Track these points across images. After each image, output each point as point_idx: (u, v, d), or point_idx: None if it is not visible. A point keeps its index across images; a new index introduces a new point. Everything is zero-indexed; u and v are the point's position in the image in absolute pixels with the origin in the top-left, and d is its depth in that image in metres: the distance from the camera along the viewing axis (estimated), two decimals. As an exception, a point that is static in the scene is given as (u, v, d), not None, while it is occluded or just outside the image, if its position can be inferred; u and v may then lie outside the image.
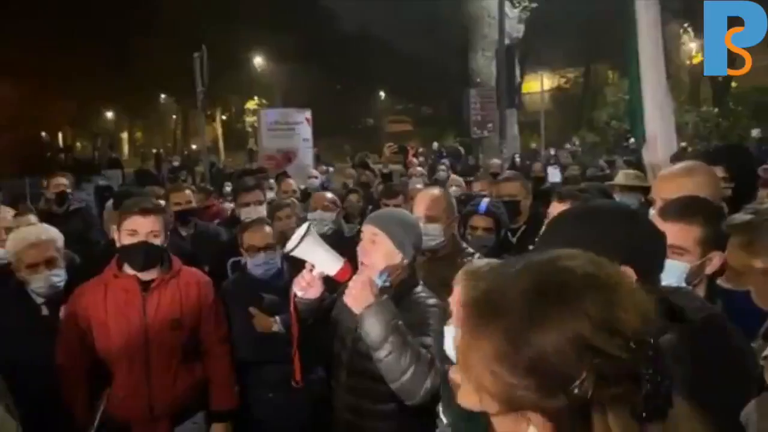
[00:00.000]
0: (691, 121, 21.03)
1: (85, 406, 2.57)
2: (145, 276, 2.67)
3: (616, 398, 0.68)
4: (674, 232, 1.67)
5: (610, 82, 28.14)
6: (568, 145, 19.17)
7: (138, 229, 2.60)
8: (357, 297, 1.95)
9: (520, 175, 4.51)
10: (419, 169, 8.54)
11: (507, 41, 15.36)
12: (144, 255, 2.62)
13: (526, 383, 0.69)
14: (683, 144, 17.56)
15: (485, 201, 3.57)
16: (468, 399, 0.75)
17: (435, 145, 22.77)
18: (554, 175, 7.65)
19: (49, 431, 2.41)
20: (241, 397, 2.90)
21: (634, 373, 0.67)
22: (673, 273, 1.68)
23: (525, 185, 4.16)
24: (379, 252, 2.21)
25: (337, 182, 8.65)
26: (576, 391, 0.67)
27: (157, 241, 2.64)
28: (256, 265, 3.09)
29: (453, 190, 5.77)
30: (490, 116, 15.78)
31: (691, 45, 25.49)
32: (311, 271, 2.06)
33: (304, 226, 2.05)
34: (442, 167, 9.79)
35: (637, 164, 4.98)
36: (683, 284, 1.66)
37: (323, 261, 2.05)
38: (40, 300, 2.81)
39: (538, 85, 24.51)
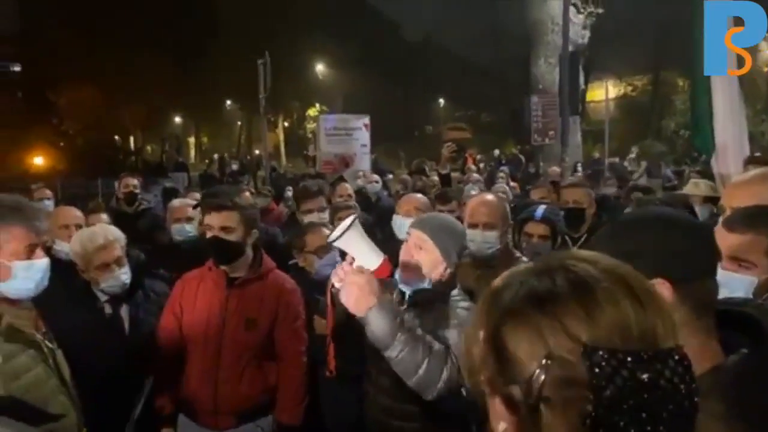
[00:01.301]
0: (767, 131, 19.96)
1: (168, 386, 2.71)
2: (234, 272, 2.72)
3: (565, 401, 0.68)
4: (740, 244, 1.58)
5: (680, 90, 27.05)
6: (631, 155, 18.53)
7: (211, 223, 2.67)
8: (358, 300, 1.89)
9: (585, 182, 4.38)
10: (475, 176, 8.42)
11: (571, 47, 15.00)
12: (213, 250, 2.68)
13: (496, 369, 0.74)
14: (758, 154, 16.72)
15: (542, 207, 3.48)
16: (469, 378, 0.81)
17: (496, 152, 22.49)
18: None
19: (106, 427, 2.48)
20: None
21: (587, 381, 0.67)
22: (739, 287, 1.58)
23: (589, 193, 4.03)
24: (425, 259, 2.19)
25: (394, 189, 8.67)
26: (528, 385, 0.70)
27: (231, 237, 2.65)
28: (326, 264, 3.10)
29: (501, 196, 5.68)
30: (551, 124, 15.44)
31: (767, 52, 24.19)
32: (351, 263, 2.03)
33: (350, 219, 2.03)
34: (501, 175, 9.64)
35: (706, 174, 4.75)
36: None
37: (363, 255, 2.02)
38: (104, 298, 2.90)
39: (603, 92, 23.83)
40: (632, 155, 18.03)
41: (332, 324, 2.19)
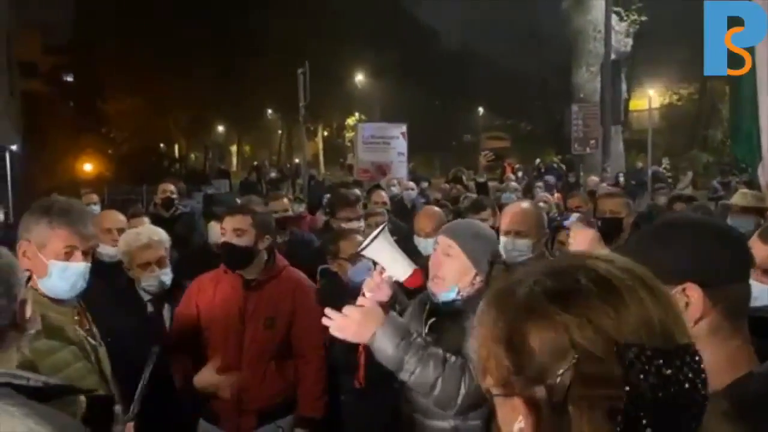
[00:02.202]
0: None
1: (185, 380, 2.72)
2: (248, 274, 2.79)
3: (593, 399, 0.67)
4: (762, 252, 1.54)
5: (727, 99, 26.22)
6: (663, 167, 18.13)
7: (226, 227, 2.77)
8: (356, 334, 1.85)
9: (622, 192, 4.30)
10: (513, 184, 8.34)
11: (613, 56, 14.77)
12: (226, 254, 2.77)
13: (514, 370, 0.73)
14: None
15: (574, 216, 3.44)
16: (481, 379, 0.80)
17: (537, 161, 22.19)
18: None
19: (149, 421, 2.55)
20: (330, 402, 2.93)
21: (618, 379, 0.66)
22: None
23: (628, 203, 3.95)
24: (453, 266, 2.13)
25: (433, 197, 8.66)
26: (554, 384, 0.69)
27: (243, 240, 2.73)
28: (358, 270, 3.13)
29: (541, 206, 5.60)
30: (593, 133, 15.21)
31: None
32: (381, 273, 2.01)
33: (380, 228, 2.03)
34: (539, 185, 9.52)
35: (753, 185, 4.61)
36: None
37: (393, 264, 2.00)
38: (146, 297, 2.99)
39: (647, 102, 23.31)
40: (663, 166, 17.64)
41: None
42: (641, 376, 0.65)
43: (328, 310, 1.88)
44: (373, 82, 34.37)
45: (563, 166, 18.32)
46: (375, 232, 2.00)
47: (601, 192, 4.62)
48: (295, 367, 2.82)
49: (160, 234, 3.09)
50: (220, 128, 38.89)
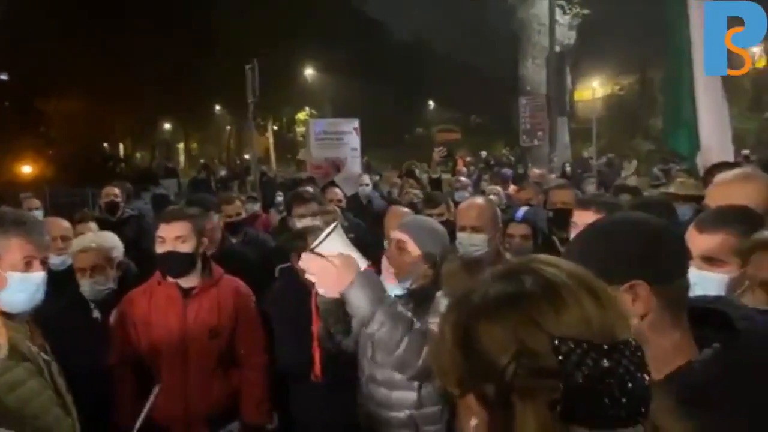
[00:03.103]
0: (754, 129, 20.15)
1: (130, 404, 2.64)
2: (186, 283, 2.74)
3: (535, 391, 0.73)
4: (711, 244, 1.65)
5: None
6: (585, 154, 18.82)
7: (164, 235, 2.68)
8: (337, 280, 1.84)
9: (570, 184, 4.44)
10: (464, 179, 8.46)
11: (557, 48, 15.12)
12: (170, 262, 2.70)
13: (468, 368, 0.78)
14: (745, 151, 16.90)
15: (522, 209, 3.57)
16: (442, 379, 0.85)
17: (483, 153, 22.56)
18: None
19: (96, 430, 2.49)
20: (286, 400, 2.93)
21: (557, 371, 0.72)
22: (713, 286, 1.64)
23: (576, 193, 4.10)
24: (407, 259, 2.24)
25: (384, 190, 8.71)
26: (500, 380, 0.74)
27: (185, 248, 2.68)
28: None
29: (491, 198, 5.71)
30: (540, 125, 15.54)
31: (754, 50, 24.44)
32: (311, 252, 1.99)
33: (332, 225, 2.03)
34: (486, 177, 9.70)
35: (692, 172, 4.81)
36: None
37: None
38: (92, 304, 2.93)
39: (591, 92, 24.00)
40: (587, 154, 18.34)
41: (316, 330, 2.23)
42: (576, 369, 0.71)
43: (306, 255, 1.85)
44: (323, 77, 34.13)
45: (512, 158, 18.70)
46: (328, 229, 2.01)
47: (552, 185, 4.75)
48: (239, 374, 2.83)
49: (102, 241, 3.03)
50: (167, 126, 37.91)
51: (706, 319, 1.20)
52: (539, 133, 15.67)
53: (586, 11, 17.64)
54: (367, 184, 7.59)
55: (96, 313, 2.93)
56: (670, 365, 1.13)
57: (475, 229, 3.02)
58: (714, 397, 1.06)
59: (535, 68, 17.20)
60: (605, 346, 0.73)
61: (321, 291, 1.89)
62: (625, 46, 27.60)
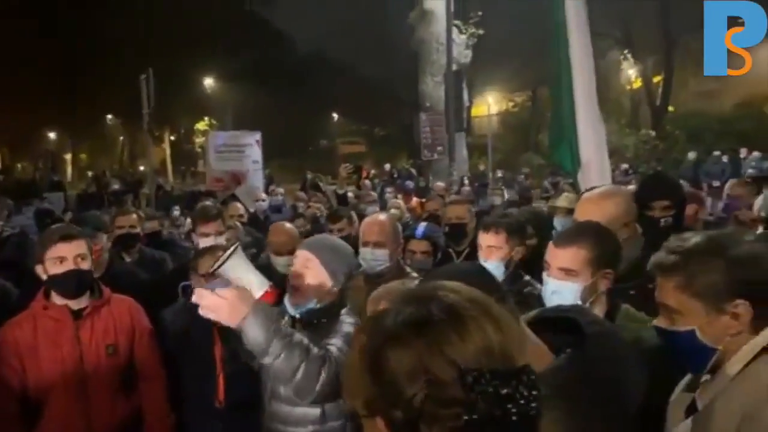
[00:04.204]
0: (631, 144, 21.93)
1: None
2: (75, 305, 2.62)
3: (441, 419, 0.76)
4: (564, 256, 1.85)
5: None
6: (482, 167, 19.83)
7: (65, 255, 2.55)
8: (230, 313, 1.85)
9: (466, 199, 4.63)
10: (372, 194, 8.59)
11: (455, 66, 15.74)
12: (77, 281, 2.58)
13: (377, 391, 0.81)
14: (625, 166, 18.34)
15: (422, 225, 3.70)
16: (349, 399, 0.87)
17: (387, 166, 22.96)
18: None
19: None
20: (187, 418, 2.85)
21: (460, 400, 0.76)
22: (568, 294, 1.85)
23: (470, 209, 4.29)
24: (311, 278, 2.24)
25: (289, 204, 8.65)
26: (408, 406, 0.77)
27: (85, 266, 2.59)
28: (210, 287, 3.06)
29: (393, 212, 5.85)
30: (440, 140, 16.08)
31: (630, 71, 26.67)
32: (211, 290, 1.97)
33: (234, 246, 2.05)
34: (390, 190, 9.90)
35: (576, 186, 5.15)
36: (578, 303, 1.79)
37: (248, 283, 2.01)
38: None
39: (487, 108, 25.13)
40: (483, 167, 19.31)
41: (219, 352, 2.20)
42: (480, 397, 0.75)
43: (199, 290, 1.88)
44: (224, 86, 33.30)
45: (413, 171, 19.18)
46: (229, 251, 2.02)
47: (450, 199, 4.95)
48: (139, 390, 2.77)
49: None
50: (52, 135, 35.41)
51: (561, 326, 1.33)
52: (439, 148, 16.20)
53: (480, 31, 18.52)
54: (264, 200, 7.48)
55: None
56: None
57: (377, 245, 3.10)
58: (568, 395, 1.18)
59: (434, 85, 17.80)
60: (507, 373, 0.77)
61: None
62: (518, 65, 29.18)
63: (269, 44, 32.51)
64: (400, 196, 9.05)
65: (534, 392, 0.78)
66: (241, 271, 2.01)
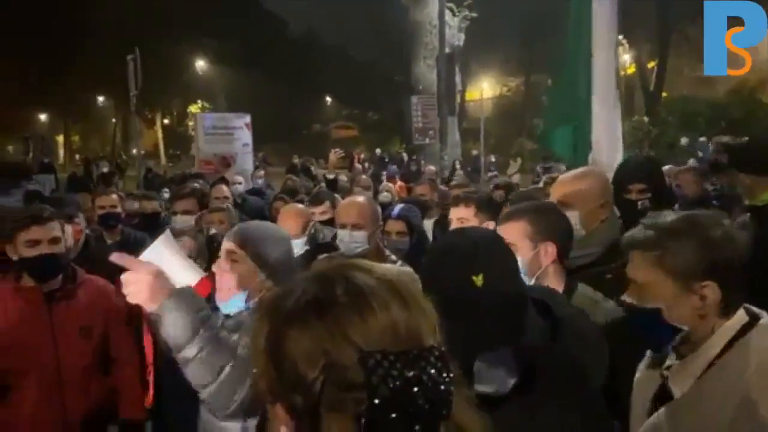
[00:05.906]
0: (625, 130, 21.91)
1: None
2: (47, 286, 2.60)
3: (342, 404, 0.73)
4: (505, 232, 1.88)
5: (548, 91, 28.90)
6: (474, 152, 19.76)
7: (39, 237, 2.52)
8: (149, 295, 1.63)
9: (467, 183, 4.60)
10: (364, 177, 8.57)
11: (447, 49, 15.64)
12: (50, 266, 2.56)
13: (276, 376, 0.77)
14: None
15: (399, 206, 3.66)
16: (257, 385, 0.83)
17: (378, 151, 22.92)
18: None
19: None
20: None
21: (363, 384, 0.71)
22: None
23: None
24: (236, 271, 1.94)
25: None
26: (308, 391, 0.74)
27: (58, 248, 2.57)
28: None
29: (384, 195, 5.83)
30: (431, 123, 16.00)
31: (625, 57, 26.61)
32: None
33: (164, 234, 1.87)
34: (384, 174, 9.88)
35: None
36: (524, 277, 1.76)
37: (177, 273, 1.77)
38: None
39: (481, 93, 25.09)
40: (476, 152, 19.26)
41: (151, 351, 2.11)
42: (382, 381, 0.71)
43: (123, 275, 1.67)
44: (216, 69, 33.05)
45: (405, 155, 19.15)
46: (159, 239, 1.84)
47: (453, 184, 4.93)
48: (113, 371, 2.77)
49: None
50: (43, 117, 35.09)
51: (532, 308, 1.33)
52: (431, 132, 16.13)
53: (474, 14, 18.39)
54: (240, 183, 7.43)
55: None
56: None
57: (355, 227, 3.07)
58: (541, 376, 1.20)
59: (427, 68, 17.70)
60: (412, 354, 0.73)
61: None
62: (511, 49, 29.10)
63: (261, 26, 32.23)
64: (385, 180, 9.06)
65: (445, 375, 0.74)
66: (169, 260, 1.79)
